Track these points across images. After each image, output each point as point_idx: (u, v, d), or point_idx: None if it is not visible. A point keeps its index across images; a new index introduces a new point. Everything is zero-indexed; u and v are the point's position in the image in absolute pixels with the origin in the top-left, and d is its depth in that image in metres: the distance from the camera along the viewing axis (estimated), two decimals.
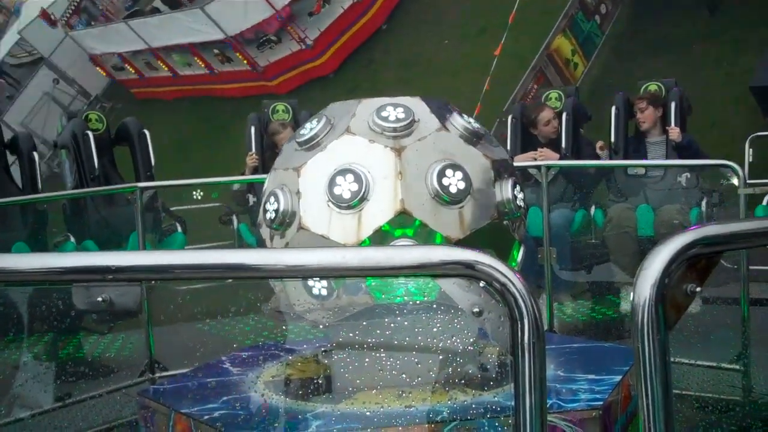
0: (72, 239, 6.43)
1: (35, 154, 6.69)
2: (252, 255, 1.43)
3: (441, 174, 3.57)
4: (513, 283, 1.35)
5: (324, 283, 3.62)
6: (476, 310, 1.39)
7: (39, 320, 5.78)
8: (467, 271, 1.37)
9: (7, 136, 6.94)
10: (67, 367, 5.71)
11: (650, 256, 1.38)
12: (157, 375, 5.65)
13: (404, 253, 1.44)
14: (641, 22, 14.67)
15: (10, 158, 6.81)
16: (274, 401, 3.72)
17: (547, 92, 7.94)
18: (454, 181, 3.58)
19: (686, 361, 5.22)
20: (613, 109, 7.38)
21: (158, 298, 5.41)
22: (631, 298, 1.40)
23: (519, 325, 1.36)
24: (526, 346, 1.35)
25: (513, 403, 1.38)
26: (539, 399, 1.34)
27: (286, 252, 1.39)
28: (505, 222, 3.78)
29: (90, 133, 6.87)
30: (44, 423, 5.06)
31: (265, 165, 7.18)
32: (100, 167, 6.86)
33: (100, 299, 1.44)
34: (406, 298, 3.60)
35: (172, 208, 7.53)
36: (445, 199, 3.56)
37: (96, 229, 6.54)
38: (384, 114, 3.70)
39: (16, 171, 6.78)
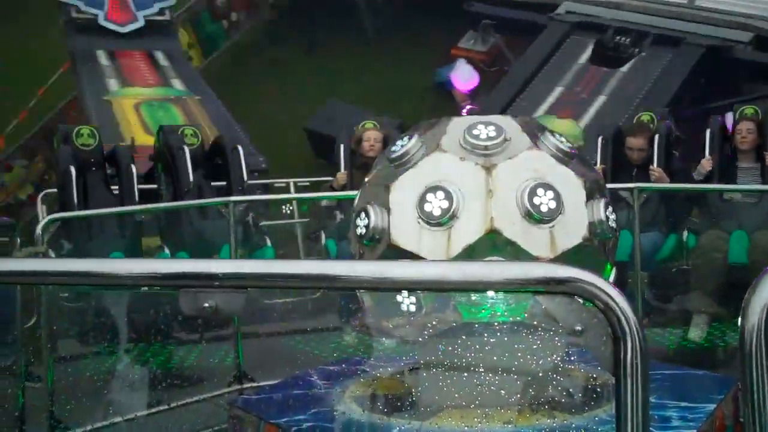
0: (166, 250, 6.61)
1: (133, 167, 6.91)
2: (356, 267, 1.45)
3: (532, 193, 3.54)
4: (617, 302, 1.33)
5: (413, 299, 3.62)
6: (578, 328, 1.37)
7: (132, 329, 5.95)
8: (570, 288, 1.36)
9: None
10: (158, 376, 5.84)
11: (762, 279, 1.34)
12: (246, 385, 5.73)
13: (505, 268, 1.44)
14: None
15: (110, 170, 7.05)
16: (360, 416, 3.74)
17: (640, 114, 7.75)
18: (545, 201, 3.55)
19: None
20: (708, 132, 7.16)
21: (247, 310, 5.50)
22: (739, 323, 1.36)
23: (622, 345, 1.33)
24: (629, 365, 1.33)
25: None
26: (642, 420, 1.31)
27: (388, 264, 1.40)
28: (596, 243, 3.73)
29: (186, 148, 7.05)
30: (134, 430, 5.18)
31: (353, 182, 7.23)
32: (195, 181, 7.03)
33: (206, 305, 1.46)
34: (494, 315, 3.58)
35: (261, 223, 7.65)
36: (536, 218, 3.53)
37: (189, 241, 6.70)
38: (475, 132, 3.70)
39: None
